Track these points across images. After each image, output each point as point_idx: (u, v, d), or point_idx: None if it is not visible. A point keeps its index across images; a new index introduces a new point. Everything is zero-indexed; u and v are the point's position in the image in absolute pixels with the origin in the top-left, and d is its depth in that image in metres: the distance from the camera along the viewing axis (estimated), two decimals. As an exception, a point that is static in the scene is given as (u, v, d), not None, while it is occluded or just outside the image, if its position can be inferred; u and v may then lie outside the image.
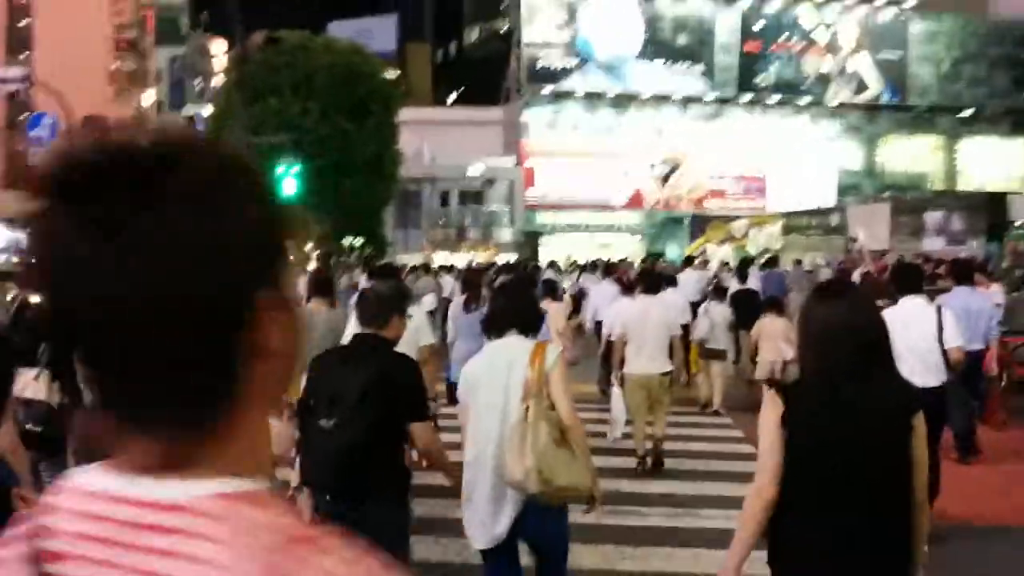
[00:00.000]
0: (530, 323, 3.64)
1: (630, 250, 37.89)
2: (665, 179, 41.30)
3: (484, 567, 3.63)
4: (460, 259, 34.35)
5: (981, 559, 5.14)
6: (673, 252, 39.26)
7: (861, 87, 43.24)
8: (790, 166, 41.28)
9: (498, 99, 43.17)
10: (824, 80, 42.90)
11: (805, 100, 42.86)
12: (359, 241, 33.63)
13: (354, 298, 4.89)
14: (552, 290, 10.00)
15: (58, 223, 0.64)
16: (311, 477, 3.41)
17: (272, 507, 0.67)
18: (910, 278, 6.09)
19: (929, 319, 5.60)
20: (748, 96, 42.18)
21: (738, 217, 41.10)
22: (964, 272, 8.05)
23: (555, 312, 8.59)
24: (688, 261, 17.54)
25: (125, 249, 0.63)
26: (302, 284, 11.21)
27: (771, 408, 2.51)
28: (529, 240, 39.51)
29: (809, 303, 2.71)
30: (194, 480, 0.66)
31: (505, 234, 39.51)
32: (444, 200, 39.75)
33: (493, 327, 3.62)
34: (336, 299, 6.79)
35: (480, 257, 35.34)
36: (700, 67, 41.61)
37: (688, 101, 41.68)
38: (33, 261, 0.67)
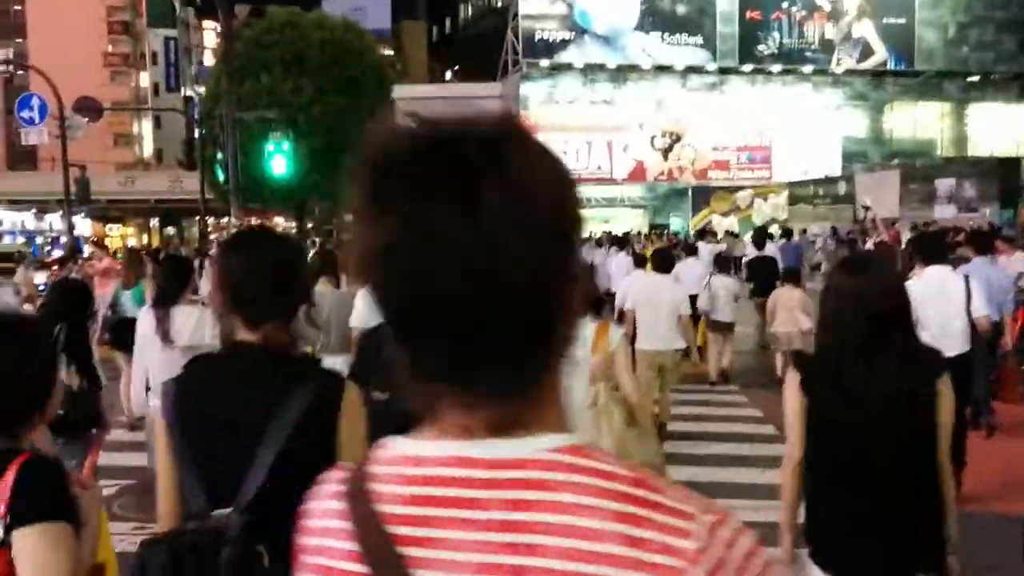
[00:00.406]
0: (590, 304, 3.47)
1: (633, 223, 37.25)
2: (667, 151, 40.47)
3: None
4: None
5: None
6: (676, 224, 38.62)
7: (866, 53, 42.23)
8: (794, 135, 40.40)
9: (495, 75, 42.28)
10: (828, 47, 41.89)
11: (808, 68, 41.88)
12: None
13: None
14: None
15: (408, 202, 0.67)
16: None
17: (603, 456, 0.71)
18: (935, 247, 5.96)
19: (957, 288, 5.50)
20: (750, 65, 41.19)
21: (742, 188, 40.44)
22: (984, 243, 7.83)
23: None
24: (702, 234, 16.92)
25: (483, 221, 0.66)
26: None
27: (792, 377, 2.53)
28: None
29: (830, 277, 2.66)
30: (527, 438, 0.71)
31: (505, 210, 38.83)
32: (443, 177, 39.06)
33: None
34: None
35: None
36: (699, 37, 40.63)
37: (688, 71, 40.75)
38: (374, 244, 0.69)
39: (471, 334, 0.68)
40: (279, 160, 17.00)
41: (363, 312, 4.97)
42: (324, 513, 0.78)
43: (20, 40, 48.31)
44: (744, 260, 10.87)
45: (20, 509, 1.53)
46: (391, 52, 73.45)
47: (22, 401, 1.74)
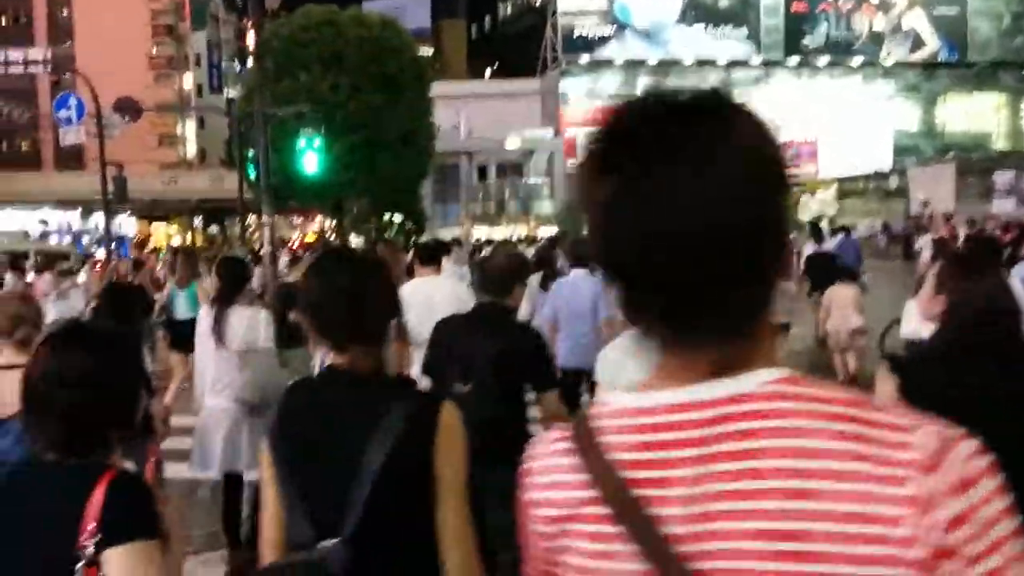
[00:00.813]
0: None
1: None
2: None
3: None
4: (500, 233, 33.26)
5: None
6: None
7: (917, 45, 40.87)
8: (842, 129, 39.25)
9: (535, 72, 41.73)
10: (877, 39, 40.63)
11: (857, 60, 40.64)
12: (398, 218, 32.72)
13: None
14: None
15: (648, 156, 0.75)
16: None
17: (818, 383, 0.76)
18: (987, 254, 5.28)
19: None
20: (796, 59, 40.09)
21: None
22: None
23: None
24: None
25: (715, 174, 0.74)
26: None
27: (886, 382, 2.28)
28: (570, 213, 38.19)
29: (945, 272, 2.49)
30: (748, 374, 0.76)
31: (545, 206, 38.22)
32: (482, 174, 38.56)
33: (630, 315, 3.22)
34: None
35: (521, 231, 34.27)
36: (744, 30, 39.63)
37: (732, 65, 39.77)
38: (614, 196, 0.76)
39: (699, 280, 0.74)
40: (311, 157, 16.56)
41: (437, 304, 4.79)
42: (553, 468, 0.85)
43: (68, 43, 48.99)
44: (805, 255, 10.25)
45: (112, 527, 1.52)
46: (430, 50, 73.56)
47: (114, 415, 1.71)
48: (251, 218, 39.71)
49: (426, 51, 72.87)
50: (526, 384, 3.38)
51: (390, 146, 25.72)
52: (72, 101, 18.57)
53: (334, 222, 29.72)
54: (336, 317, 1.75)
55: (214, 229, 46.33)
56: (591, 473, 0.80)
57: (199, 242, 40.17)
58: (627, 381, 3.27)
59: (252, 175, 25.04)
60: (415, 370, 4.40)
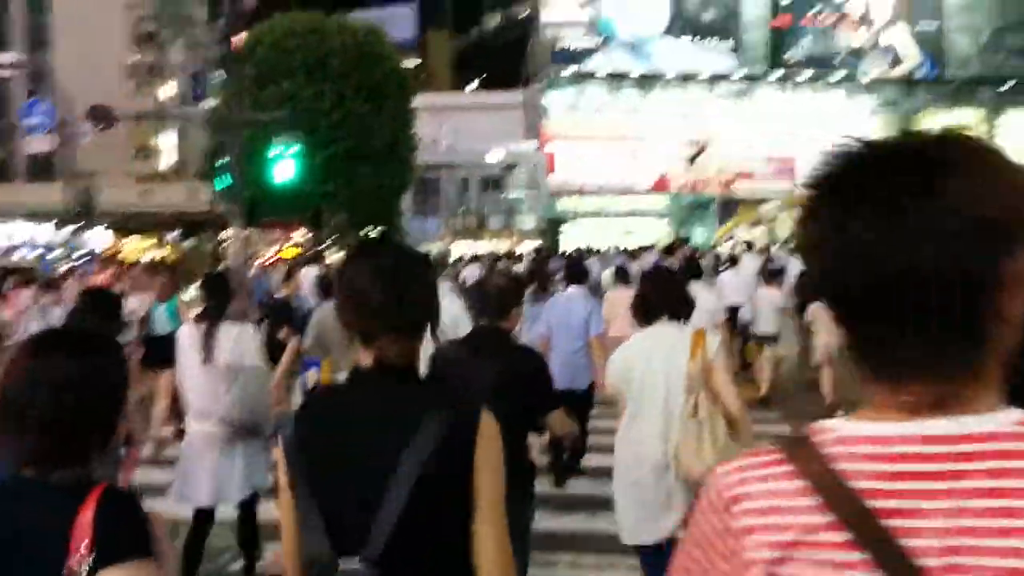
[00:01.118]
0: (680, 309, 3.51)
1: (655, 235, 36.24)
2: (692, 161, 39.44)
3: (643, 562, 3.54)
4: (481, 248, 32.93)
5: None
6: (700, 236, 37.54)
7: (896, 61, 41.00)
8: (823, 145, 38.95)
9: (520, 84, 41.52)
10: (858, 54, 40.71)
11: (838, 75, 40.69)
12: (377, 231, 32.31)
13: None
14: (624, 276, 9.35)
15: (880, 195, 0.83)
16: None
17: None
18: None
19: None
20: (778, 72, 40.09)
21: (767, 200, 39.27)
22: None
23: (625, 298, 7.77)
24: (748, 246, 16.20)
25: (940, 211, 0.81)
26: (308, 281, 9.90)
27: None
28: (552, 227, 37.95)
29: None
30: (994, 414, 0.80)
31: (528, 221, 37.97)
32: (464, 187, 38.29)
33: (643, 314, 3.52)
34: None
35: (503, 246, 33.94)
36: (728, 43, 39.60)
37: (715, 79, 39.70)
38: (845, 235, 0.84)
39: (943, 318, 0.80)
40: (285, 166, 16.07)
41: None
42: (775, 493, 0.85)
43: (45, 51, 48.32)
44: (793, 274, 10.02)
45: (108, 546, 1.42)
46: (416, 61, 73.27)
47: (98, 423, 1.58)
48: (229, 231, 39.16)
49: (411, 62, 72.71)
50: (530, 409, 3.30)
51: (371, 157, 25.37)
52: (41, 107, 18.04)
53: (311, 235, 29.30)
54: (374, 299, 1.62)
55: (190, 243, 45.65)
56: (826, 498, 0.81)
57: (173, 256, 39.43)
58: (637, 382, 3.35)
59: (226, 186, 24.65)
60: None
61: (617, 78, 38.94)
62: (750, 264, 12.63)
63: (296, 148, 16.18)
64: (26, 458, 1.50)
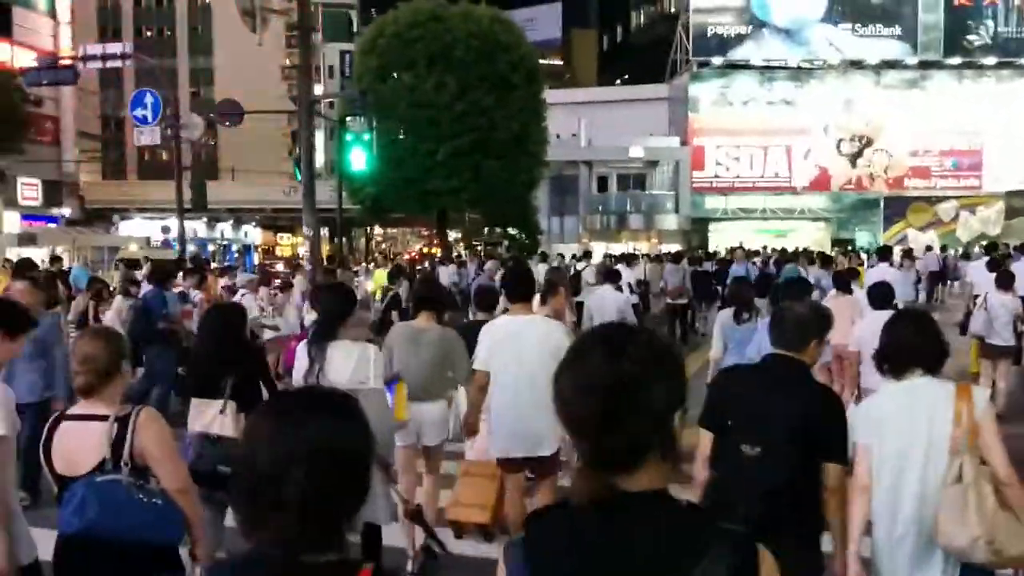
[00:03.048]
0: (938, 361, 3.03)
1: (813, 238, 32.28)
2: (855, 157, 34.97)
3: None
4: (619, 249, 30.18)
5: None
6: (864, 239, 33.21)
7: (1102, 41, 34.84)
8: (1011, 138, 33.78)
9: (663, 78, 38.31)
10: (1056, 35, 34.90)
11: (1030, 60, 35.02)
12: (512, 232, 30.18)
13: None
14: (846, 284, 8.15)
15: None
16: (722, 501, 2.97)
17: None
18: None
19: None
20: (957, 58, 34.89)
21: (946, 198, 34.33)
22: None
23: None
24: (885, 252, 12.71)
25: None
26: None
27: None
28: (697, 227, 34.57)
29: None
30: None
31: (670, 221, 34.76)
32: (603, 185, 35.50)
33: (892, 364, 3.05)
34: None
35: (642, 246, 31.07)
36: (896, 28, 34.82)
37: (884, 67, 35.02)
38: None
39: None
40: (358, 154, 14.12)
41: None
42: None
43: (207, 57, 49.54)
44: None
45: None
46: (560, 61, 71.06)
47: (353, 495, 1.39)
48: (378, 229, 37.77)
49: (556, 62, 70.63)
50: (820, 453, 2.96)
51: (498, 151, 23.17)
52: (148, 99, 16.94)
53: (436, 238, 27.45)
54: (586, 418, 1.30)
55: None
56: None
57: (326, 253, 38.85)
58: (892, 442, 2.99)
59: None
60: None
61: (771, 67, 35.06)
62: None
63: (369, 136, 14.15)
64: (275, 538, 1.28)
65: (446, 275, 14.91)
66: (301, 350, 4.02)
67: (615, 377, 1.28)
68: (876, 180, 34.79)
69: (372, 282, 11.58)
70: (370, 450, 1.42)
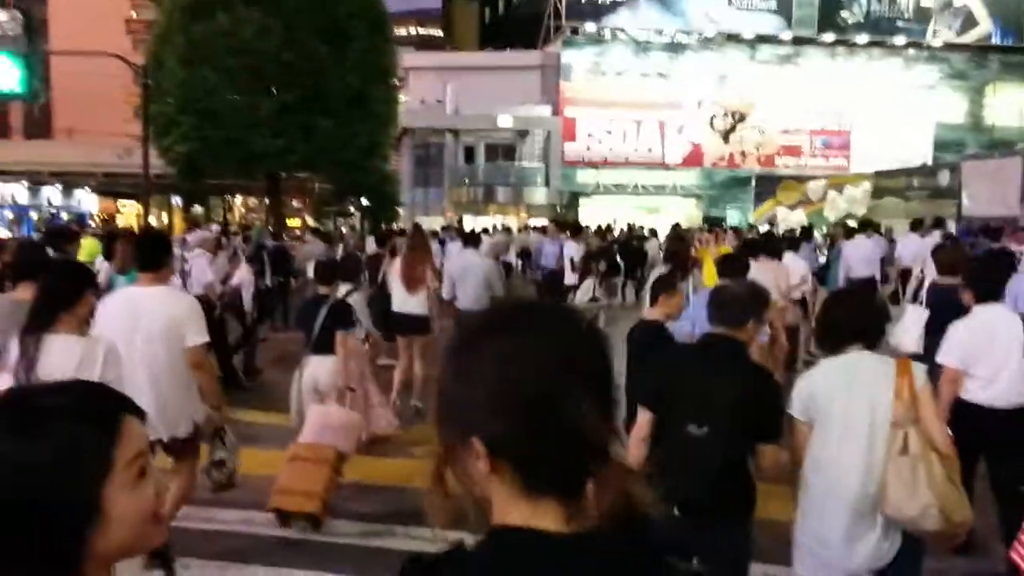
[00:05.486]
0: (877, 336, 3.09)
1: (685, 215, 30.31)
2: (728, 133, 33.11)
3: None
4: (486, 223, 27.26)
5: None
6: (735, 217, 31.52)
7: (968, 25, 34.09)
8: (879, 119, 32.67)
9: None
10: (923, 16, 33.89)
11: (900, 40, 33.93)
12: (364, 203, 26.70)
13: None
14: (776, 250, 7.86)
15: None
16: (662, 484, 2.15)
17: None
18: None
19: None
20: (831, 36, 33.45)
21: (815, 177, 33.01)
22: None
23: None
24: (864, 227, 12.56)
25: None
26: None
27: None
28: (567, 202, 31.98)
29: None
30: None
31: (539, 195, 32.00)
32: (470, 156, 32.35)
33: (830, 340, 3.11)
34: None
35: (511, 221, 28.31)
36: (771, 2, 33.05)
37: (758, 41, 33.20)
38: None
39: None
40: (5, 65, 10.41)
41: None
42: None
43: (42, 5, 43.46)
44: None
45: None
46: (440, 32, 67.27)
47: None
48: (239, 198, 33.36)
49: (436, 32, 66.87)
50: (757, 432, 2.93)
51: (333, 110, 19.65)
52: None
53: (267, 202, 23.69)
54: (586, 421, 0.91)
55: (199, 209, 40.40)
56: None
57: (178, 223, 34.13)
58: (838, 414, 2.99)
59: (159, 138, 19.23)
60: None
61: (646, 37, 32.66)
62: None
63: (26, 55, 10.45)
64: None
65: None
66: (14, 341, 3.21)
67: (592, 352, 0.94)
68: (748, 157, 33.08)
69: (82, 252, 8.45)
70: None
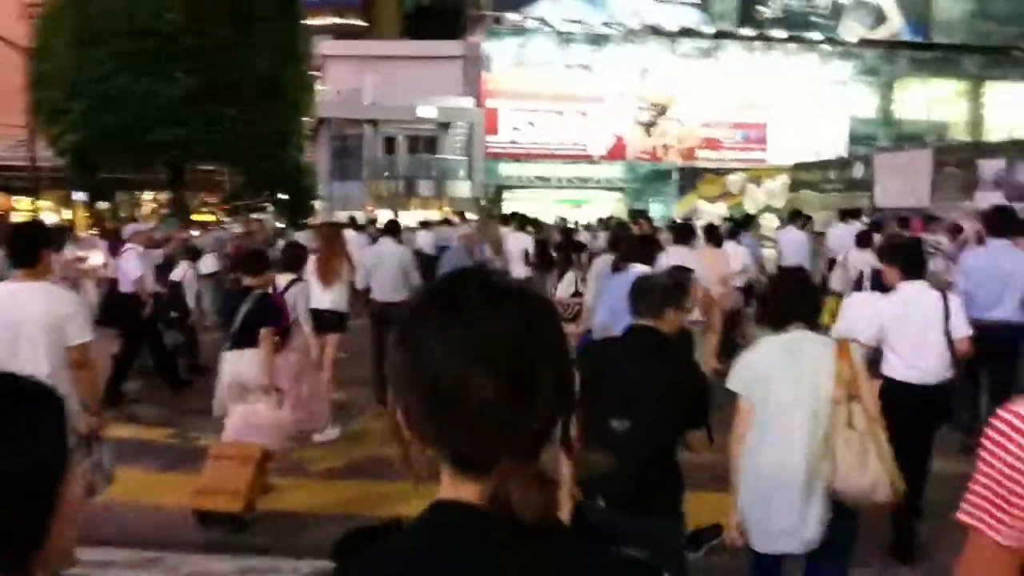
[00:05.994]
0: (815, 316, 3.17)
1: (610, 208, 30.02)
2: (650, 126, 33.01)
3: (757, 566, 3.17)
4: (408, 218, 26.34)
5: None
6: (658, 210, 31.43)
7: (879, 20, 34.81)
8: (795, 113, 33.07)
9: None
10: (837, 12, 34.44)
11: (815, 36, 34.41)
12: (280, 196, 25.48)
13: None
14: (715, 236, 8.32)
15: None
16: (587, 478, 2.87)
17: None
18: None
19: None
20: (750, 30, 33.67)
21: (735, 170, 33.22)
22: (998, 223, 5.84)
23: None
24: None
25: None
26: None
27: None
28: (490, 196, 31.32)
29: None
30: None
31: (462, 188, 31.24)
32: (390, 147, 31.34)
33: (773, 319, 3.15)
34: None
35: (432, 215, 27.49)
36: (693, -4, 33.07)
37: (679, 35, 33.17)
38: None
39: None
40: None
41: None
42: None
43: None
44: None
45: None
46: (363, 22, 65.66)
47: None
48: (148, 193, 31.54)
49: (357, 22, 65.22)
50: (684, 425, 2.93)
51: (242, 98, 18.47)
52: None
53: (171, 196, 22.28)
54: (492, 401, 0.86)
55: (104, 205, 38.04)
56: None
57: (80, 219, 31.91)
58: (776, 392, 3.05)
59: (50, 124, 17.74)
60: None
61: (568, 29, 32.23)
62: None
63: None
64: None
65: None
66: None
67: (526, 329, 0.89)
68: (670, 150, 33.04)
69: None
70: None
